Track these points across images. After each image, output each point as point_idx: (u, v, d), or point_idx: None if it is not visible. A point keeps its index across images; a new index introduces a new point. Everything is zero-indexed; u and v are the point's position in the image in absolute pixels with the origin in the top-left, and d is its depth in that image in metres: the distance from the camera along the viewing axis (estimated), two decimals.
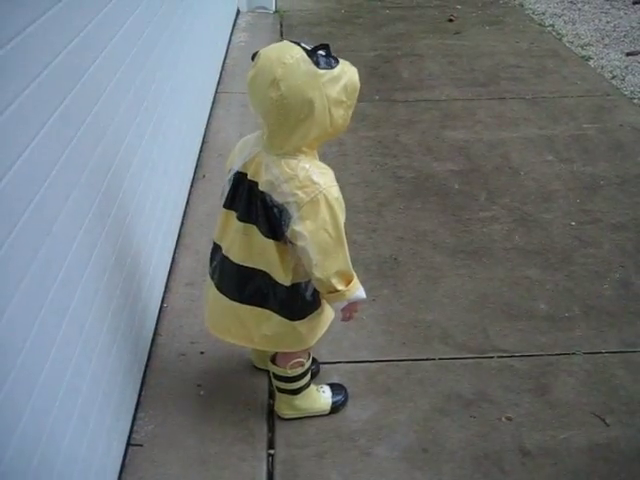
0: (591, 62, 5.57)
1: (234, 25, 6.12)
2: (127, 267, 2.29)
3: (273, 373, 2.28)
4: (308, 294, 2.03)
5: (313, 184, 1.83)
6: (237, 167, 1.97)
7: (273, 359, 2.27)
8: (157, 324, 2.69)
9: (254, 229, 1.95)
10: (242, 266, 2.02)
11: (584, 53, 5.76)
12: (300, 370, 2.25)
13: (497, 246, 3.29)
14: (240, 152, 2.01)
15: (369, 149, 4.17)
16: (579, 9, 6.93)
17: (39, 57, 1.54)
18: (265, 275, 1.99)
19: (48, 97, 1.59)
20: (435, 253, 3.23)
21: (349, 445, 2.26)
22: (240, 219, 1.97)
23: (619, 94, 4.98)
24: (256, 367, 2.53)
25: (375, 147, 4.19)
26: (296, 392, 2.30)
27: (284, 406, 2.34)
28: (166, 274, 2.93)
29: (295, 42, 1.80)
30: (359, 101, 1.89)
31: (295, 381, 2.27)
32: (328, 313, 2.18)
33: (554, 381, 2.52)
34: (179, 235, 3.24)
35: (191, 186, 3.62)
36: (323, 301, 2.10)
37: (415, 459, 2.22)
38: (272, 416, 2.37)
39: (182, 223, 3.32)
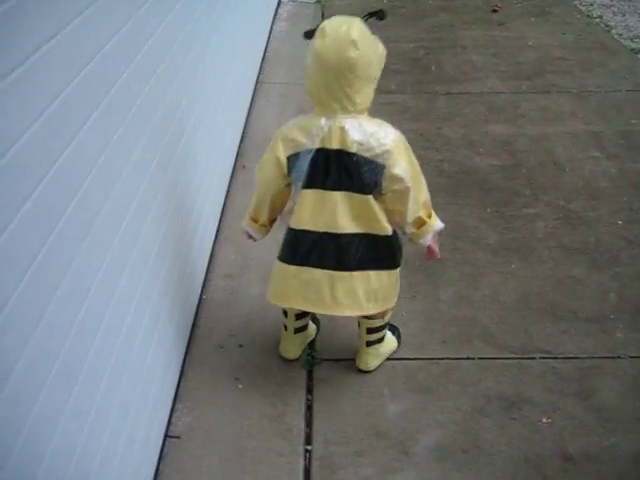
0: None
1: (275, 14, 6.09)
2: (169, 257, 2.29)
3: (367, 328, 2.41)
4: (399, 240, 2.27)
5: (390, 132, 2.11)
6: (311, 144, 2.09)
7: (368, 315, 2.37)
8: (196, 316, 2.69)
9: (351, 194, 2.10)
10: (347, 234, 2.14)
11: (634, 46, 5.60)
12: (387, 318, 2.45)
13: (541, 244, 3.22)
14: (299, 131, 2.13)
15: (411, 142, 4.00)
16: (629, 0, 6.74)
17: (85, 49, 1.54)
18: (369, 236, 2.17)
19: (94, 89, 1.58)
20: (476, 249, 3.18)
21: (387, 443, 2.24)
22: (334, 189, 2.11)
23: None
24: (288, 359, 2.54)
25: (417, 140, 4.11)
26: (382, 339, 2.47)
27: (371, 358, 2.47)
28: (205, 265, 2.93)
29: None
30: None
31: (385, 328, 2.47)
32: None
33: (598, 385, 2.46)
34: (218, 226, 3.23)
35: (231, 177, 3.61)
36: None
37: (454, 460, 2.18)
38: (310, 411, 2.35)
39: (221, 214, 3.32)
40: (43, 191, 1.26)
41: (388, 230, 2.19)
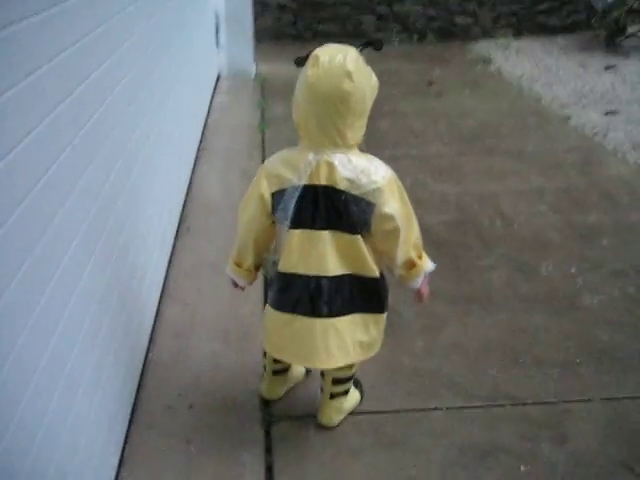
0: (571, 121, 5.60)
1: (215, 88, 6.10)
2: (111, 313, 2.09)
3: (334, 379, 2.25)
4: (386, 283, 2.14)
5: (381, 169, 1.96)
6: (301, 181, 1.94)
7: None
8: (142, 376, 2.48)
9: (337, 234, 1.96)
10: (334, 276, 1.99)
11: (564, 113, 5.80)
12: (354, 369, 2.28)
13: (498, 293, 3.15)
14: (284, 167, 1.97)
15: None
16: (555, 73, 7.05)
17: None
18: (355, 278, 2.03)
19: (45, 150, 1.45)
20: (434, 301, 3.04)
21: None
22: (323, 228, 1.95)
23: (603, 149, 4.98)
24: (265, 399, 2.42)
25: None
26: (347, 392, 2.33)
27: (335, 412, 2.32)
28: (151, 324, 2.74)
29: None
30: None
31: (351, 379, 2.32)
32: None
33: (572, 429, 2.34)
34: (163, 286, 3.05)
35: (175, 238, 3.46)
36: None
37: None
38: (270, 472, 2.14)
39: (166, 274, 3.14)
40: None
41: (375, 272, 2.04)
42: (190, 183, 4.11)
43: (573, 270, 3.34)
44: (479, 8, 8.49)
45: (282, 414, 2.37)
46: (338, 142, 1.90)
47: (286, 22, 8.18)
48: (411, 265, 2.10)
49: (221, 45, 6.47)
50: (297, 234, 1.97)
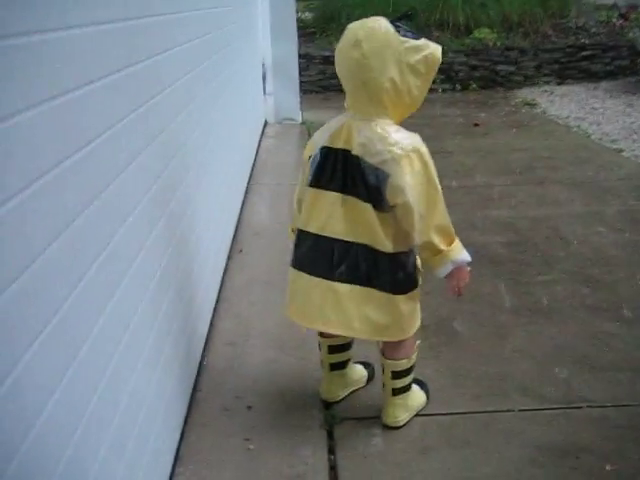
0: (624, 153, 5.50)
1: (263, 133, 6.18)
2: (163, 321, 2.04)
3: (392, 372, 2.14)
4: (409, 265, 2.00)
5: (405, 141, 1.89)
6: (323, 141, 1.98)
7: (388, 354, 2.14)
8: (196, 381, 2.39)
9: (352, 199, 1.92)
10: (342, 240, 1.95)
11: (615, 146, 5.71)
12: (415, 357, 2.16)
13: (563, 304, 3.00)
14: (322, 132, 2.05)
15: None
16: (601, 113, 6.99)
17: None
18: (366, 248, 1.94)
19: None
20: (496, 312, 2.95)
21: None
22: (337, 190, 1.94)
23: None
24: (326, 401, 2.30)
25: None
26: (408, 388, 2.19)
27: (399, 410, 2.17)
28: (205, 332, 2.66)
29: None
30: None
31: (411, 373, 2.18)
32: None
33: None
34: (217, 302, 3.00)
35: (228, 259, 3.43)
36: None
37: None
38: (334, 471, 2.01)
39: (219, 289, 3.09)
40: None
41: (387, 247, 1.94)
42: (241, 212, 4.12)
43: None
44: (521, 56, 8.52)
45: (345, 415, 2.25)
46: (370, 110, 1.91)
47: (330, 74, 8.32)
48: (436, 251, 1.98)
49: (268, 93, 6.59)
50: (311, 193, 2.00)
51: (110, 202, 1.51)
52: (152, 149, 1.93)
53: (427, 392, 2.32)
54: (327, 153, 1.97)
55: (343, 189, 1.94)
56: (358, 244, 1.95)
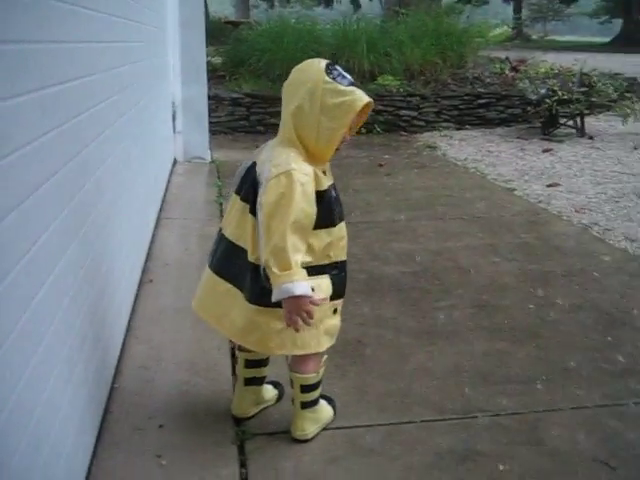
0: (516, 192, 5.89)
1: (172, 171, 6.23)
2: (75, 340, 2.06)
3: (301, 385, 2.23)
4: (262, 279, 2.02)
5: (286, 164, 1.98)
6: (252, 159, 2.14)
7: (295, 368, 2.24)
8: (108, 403, 2.40)
9: (245, 206, 2.09)
10: (233, 243, 2.13)
11: (509, 186, 6.10)
12: (322, 372, 2.27)
13: (461, 328, 3.20)
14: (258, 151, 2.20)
15: None
16: (496, 156, 7.44)
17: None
18: (244, 252, 2.08)
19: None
20: (400, 336, 3.10)
21: None
22: (241, 199, 2.11)
23: (548, 213, 5.22)
24: (236, 417, 2.38)
25: None
26: (317, 402, 2.29)
27: (308, 423, 2.27)
28: (116, 357, 2.68)
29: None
30: None
31: (318, 387, 2.27)
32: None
33: (546, 434, 2.35)
34: (128, 329, 3.01)
35: (138, 288, 3.45)
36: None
37: None
38: None
39: (130, 319, 3.10)
40: None
41: (252, 258, 2.06)
42: (151, 244, 4.14)
43: (531, 306, 3.43)
44: (422, 102, 8.98)
45: (255, 431, 2.32)
46: (283, 133, 2.09)
47: (239, 116, 8.49)
48: (270, 272, 1.97)
49: (178, 131, 6.66)
50: (232, 199, 2.19)
51: (26, 217, 1.55)
52: (68, 169, 1.98)
53: (334, 407, 2.42)
54: (250, 166, 2.12)
55: (246, 198, 2.09)
56: (239, 247, 2.11)
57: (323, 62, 2.05)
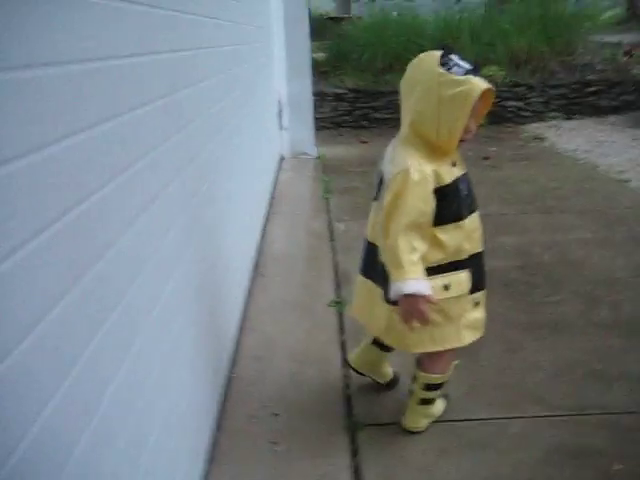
0: (630, 183, 5.65)
1: (279, 167, 6.39)
2: (195, 334, 2.19)
3: (425, 384, 2.28)
4: None
5: (404, 163, 2.01)
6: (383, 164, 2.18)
7: (423, 367, 2.29)
8: (225, 393, 2.53)
9: (378, 205, 2.14)
10: (371, 244, 2.23)
11: (621, 177, 5.86)
12: (449, 374, 2.32)
13: (572, 322, 3.14)
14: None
15: None
16: (609, 146, 7.16)
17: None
18: (376, 248, 2.16)
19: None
20: (508, 330, 3.08)
21: None
22: (374, 199, 2.21)
23: None
24: (356, 372, 2.57)
25: None
26: (434, 400, 2.35)
27: (421, 418, 2.33)
28: (232, 349, 2.81)
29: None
30: None
31: (441, 387, 2.32)
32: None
33: None
34: (242, 321, 3.15)
35: (251, 282, 3.59)
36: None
37: None
38: (358, 472, 2.14)
39: (243, 311, 3.24)
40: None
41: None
42: (261, 239, 4.28)
43: None
44: (529, 92, 8.75)
45: (367, 421, 2.38)
46: (404, 132, 2.10)
47: (343, 111, 8.58)
48: (389, 272, 2.03)
49: (284, 128, 6.82)
50: (372, 204, 2.26)
51: (154, 216, 1.68)
52: (191, 170, 2.11)
53: (448, 400, 2.45)
54: (380, 170, 2.18)
55: (376, 198, 2.17)
56: (376, 246, 2.16)
57: (437, 54, 2.00)
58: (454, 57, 2.00)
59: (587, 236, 4.34)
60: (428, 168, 2.00)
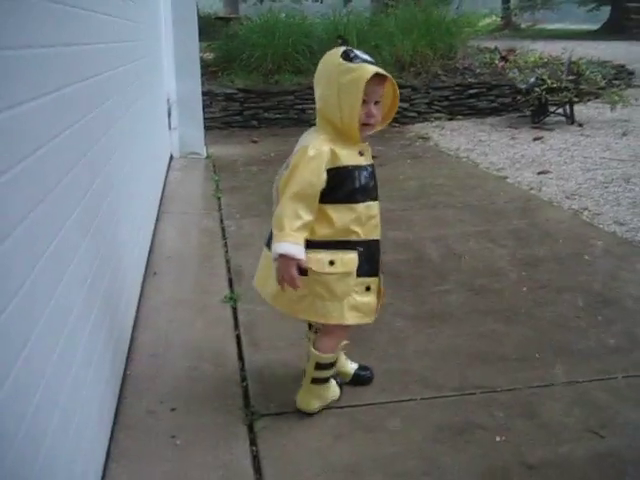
0: (508, 180, 6.00)
1: (169, 166, 6.32)
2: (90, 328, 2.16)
3: (316, 362, 2.35)
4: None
5: (306, 142, 2.18)
6: None
7: (316, 345, 2.36)
8: (121, 390, 2.51)
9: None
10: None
11: (500, 174, 6.22)
12: (316, 359, 2.35)
13: (457, 311, 3.31)
14: None
15: None
16: (488, 145, 7.56)
17: None
18: None
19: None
20: (397, 320, 3.22)
21: (344, 476, 2.11)
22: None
23: (539, 199, 5.34)
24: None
25: None
26: (328, 380, 2.41)
27: (314, 399, 2.41)
28: (126, 347, 2.79)
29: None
30: None
31: (334, 367, 2.40)
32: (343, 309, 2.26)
33: (540, 407, 2.47)
34: (136, 319, 3.12)
35: (144, 281, 3.55)
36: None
37: None
38: (257, 458, 2.19)
39: (137, 309, 3.21)
40: None
41: None
42: (153, 238, 4.24)
43: (524, 289, 3.55)
44: (414, 94, 9.09)
45: (263, 411, 2.43)
46: (317, 121, 2.28)
47: (233, 111, 8.58)
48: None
49: (173, 128, 6.75)
50: None
51: (47, 213, 1.66)
52: (81, 166, 2.08)
53: (341, 387, 2.53)
54: None
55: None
56: None
57: (341, 49, 2.18)
58: (356, 51, 2.18)
59: (470, 229, 4.58)
60: (326, 147, 2.16)
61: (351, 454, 2.22)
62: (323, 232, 2.21)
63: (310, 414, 2.41)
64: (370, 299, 2.32)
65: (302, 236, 2.13)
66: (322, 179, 2.15)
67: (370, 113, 2.18)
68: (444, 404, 2.50)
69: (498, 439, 2.28)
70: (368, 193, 2.27)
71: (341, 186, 2.19)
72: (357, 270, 2.25)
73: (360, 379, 2.62)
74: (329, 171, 2.16)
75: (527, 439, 2.28)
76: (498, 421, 2.38)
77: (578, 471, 2.13)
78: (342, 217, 2.21)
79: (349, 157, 2.20)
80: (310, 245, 2.18)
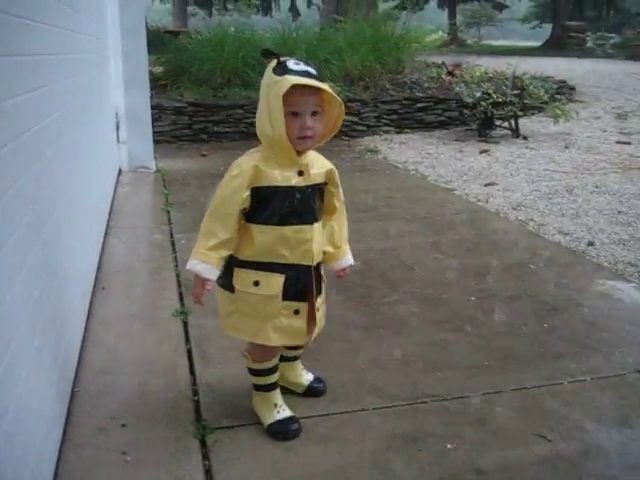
0: (456, 192, 6.12)
1: (117, 181, 6.24)
2: (41, 342, 2.13)
3: (247, 367, 2.43)
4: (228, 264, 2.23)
5: (238, 159, 2.18)
6: None
7: (246, 349, 2.41)
8: (70, 407, 2.46)
9: None
10: None
11: (448, 186, 6.33)
12: (257, 365, 2.38)
13: (408, 320, 3.36)
14: None
15: None
16: (435, 158, 7.69)
17: None
18: None
19: None
20: (349, 330, 3.24)
21: None
22: None
23: (486, 211, 5.46)
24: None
25: None
26: (264, 388, 2.42)
27: (259, 405, 2.44)
28: (75, 363, 2.73)
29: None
30: None
31: (261, 376, 2.40)
32: (251, 323, 2.24)
33: (490, 414, 2.52)
34: (84, 335, 3.06)
35: (92, 296, 3.50)
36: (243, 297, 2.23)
37: None
38: (210, 473, 2.17)
39: (86, 326, 3.15)
40: None
41: None
42: (102, 252, 4.18)
43: (472, 298, 3.61)
44: (362, 107, 9.19)
45: (214, 425, 2.41)
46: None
47: (182, 125, 8.53)
48: None
49: (122, 141, 6.67)
50: None
51: None
52: (26, 179, 2.05)
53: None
54: None
55: None
56: None
57: (274, 62, 2.09)
58: (292, 62, 2.07)
59: (419, 240, 4.65)
60: (249, 165, 2.12)
61: (304, 466, 2.21)
62: (247, 252, 2.18)
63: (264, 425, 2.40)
64: (299, 323, 2.26)
65: (216, 254, 2.12)
66: (242, 198, 2.10)
67: (305, 125, 2.09)
68: (396, 413, 2.52)
69: (449, 446, 2.31)
70: (299, 216, 2.17)
71: (265, 206, 2.14)
72: (283, 294, 2.20)
73: (313, 391, 2.62)
74: (253, 190, 2.12)
75: (478, 445, 2.32)
76: (449, 428, 2.42)
77: (527, 474, 2.18)
78: (265, 238, 2.16)
79: (278, 177, 2.12)
80: (237, 263, 2.20)
